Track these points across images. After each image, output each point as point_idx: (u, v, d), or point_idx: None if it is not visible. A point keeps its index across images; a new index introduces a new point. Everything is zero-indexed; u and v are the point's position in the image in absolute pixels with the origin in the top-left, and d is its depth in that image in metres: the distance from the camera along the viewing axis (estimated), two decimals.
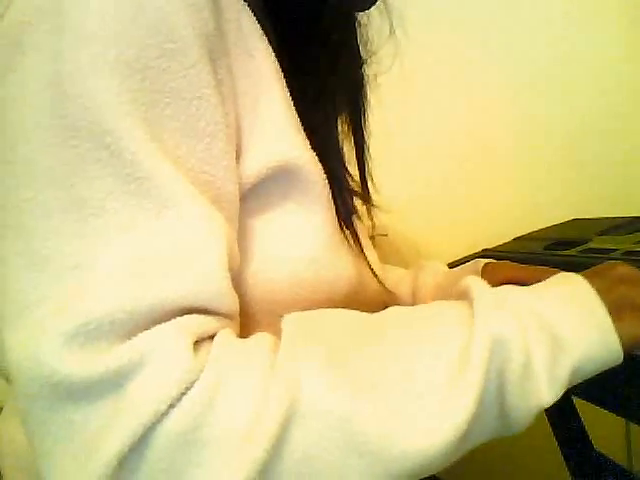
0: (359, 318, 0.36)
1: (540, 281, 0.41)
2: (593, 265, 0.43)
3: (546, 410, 0.85)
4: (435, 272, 0.65)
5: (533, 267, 0.55)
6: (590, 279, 0.37)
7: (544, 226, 0.86)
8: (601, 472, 0.77)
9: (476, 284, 0.36)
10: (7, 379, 0.46)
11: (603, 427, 0.83)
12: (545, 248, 0.70)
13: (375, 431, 0.29)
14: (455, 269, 0.64)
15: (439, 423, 0.30)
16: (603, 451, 0.78)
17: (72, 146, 0.30)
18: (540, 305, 0.35)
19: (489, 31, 1.08)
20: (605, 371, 0.39)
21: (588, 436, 0.79)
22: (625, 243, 0.61)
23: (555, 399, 0.33)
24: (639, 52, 1.09)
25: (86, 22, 0.30)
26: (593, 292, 0.36)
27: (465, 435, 0.30)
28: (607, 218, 0.80)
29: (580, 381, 0.35)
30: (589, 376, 0.35)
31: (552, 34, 1.09)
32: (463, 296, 0.37)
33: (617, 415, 0.45)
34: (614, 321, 0.35)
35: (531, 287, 0.38)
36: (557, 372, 0.33)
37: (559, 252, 0.66)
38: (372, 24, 0.56)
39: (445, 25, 1.06)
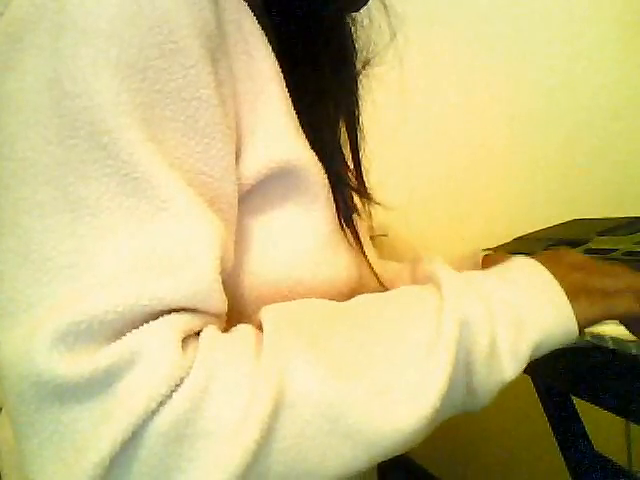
0: (334, 306, 0.38)
1: None
2: None
3: (546, 410, 0.85)
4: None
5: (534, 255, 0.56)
6: (547, 265, 0.40)
7: (544, 226, 0.86)
8: (601, 472, 0.77)
9: (442, 269, 0.38)
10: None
11: (603, 427, 0.83)
12: (545, 248, 0.70)
13: (356, 414, 0.31)
14: (454, 261, 0.65)
15: (415, 403, 0.32)
16: (603, 451, 0.78)
17: (70, 145, 0.30)
18: (503, 288, 0.38)
19: (489, 30, 1.08)
20: (605, 372, 0.40)
21: (588, 436, 0.79)
22: (625, 243, 0.61)
23: (516, 374, 0.36)
24: (639, 52, 1.09)
25: (87, 21, 0.30)
26: (552, 277, 0.39)
27: (437, 413, 0.32)
28: (607, 218, 0.80)
29: (539, 356, 0.37)
30: (547, 352, 0.37)
31: (553, 33, 1.09)
32: (429, 281, 0.39)
33: (617, 415, 0.45)
34: (571, 303, 0.37)
35: (494, 271, 0.40)
36: (519, 350, 0.35)
37: None
38: (373, 26, 0.56)
39: (445, 24, 1.06)
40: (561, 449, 0.80)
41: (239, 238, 0.38)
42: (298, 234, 0.41)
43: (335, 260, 0.44)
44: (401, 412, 0.31)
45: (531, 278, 0.39)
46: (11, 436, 0.45)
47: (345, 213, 0.47)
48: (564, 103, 1.09)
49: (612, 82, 1.09)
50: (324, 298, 0.41)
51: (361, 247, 0.50)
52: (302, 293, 0.41)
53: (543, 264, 0.40)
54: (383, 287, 0.55)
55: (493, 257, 0.60)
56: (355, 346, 0.33)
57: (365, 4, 0.52)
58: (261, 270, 0.40)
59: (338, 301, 0.42)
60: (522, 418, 0.98)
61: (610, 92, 1.09)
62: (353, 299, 0.39)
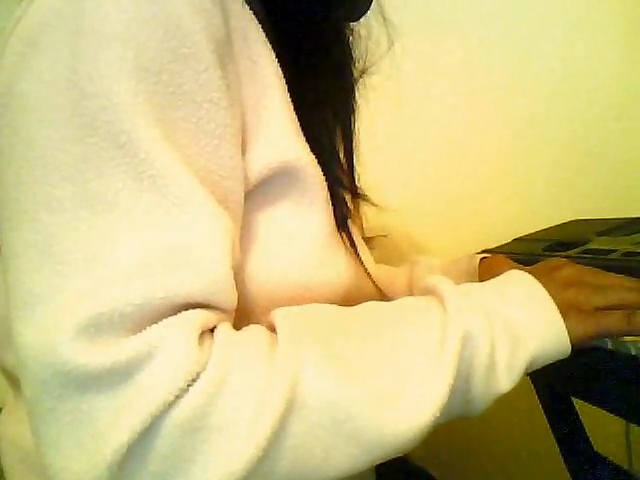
0: (343, 312, 0.39)
1: None
2: (592, 266, 0.44)
3: (546, 411, 0.85)
4: (430, 266, 0.67)
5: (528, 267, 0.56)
6: (541, 280, 0.41)
7: (544, 227, 0.86)
8: (601, 472, 0.77)
9: (443, 283, 0.40)
10: (9, 377, 0.46)
11: (603, 427, 0.83)
12: (545, 249, 0.70)
13: (361, 418, 0.32)
14: (449, 263, 0.66)
15: (417, 412, 0.33)
16: (603, 452, 0.78)
17: (89, 144, 0.31)
18: (501, 303, 0.39)
19: (490, 31, 1.08)
20: (605, 372, 0.41)
21: (588, 437, 0.79)
22: (625, 244, 0.61)
23: (511, 387, 0.37)
24: (639, 52, 1.09)
25: (104, 25, 0.31)
26: (546, 294, 0.40)
27: (436, 421, 0.34)
28: (607, 219, 0.80)
29: (531, 371, 0.39)
30: (541, 366, 0.39)
31: (552, 35, 1.09)
32: (430, 293, 0.40)
33: (616, 416, 0.46)
34: (564, 320, 0.39)
35: (491, 285, 0.42)
36: (515, 364, 0.37)
37: (559, 253, 0.66)
38: (371, 35, 0.58)
39: (445, 25, 1.06)
40: (561, 449, 0.80)
41: (240, 237, 0.39)
42: (298, 234, 0.42)
43: (334, 261, 0.44)
44: (404, 419, 0.33)
45: (526, 295, 0.40)
46: (13, 434, 0.45)
47: (341, 216, 0.48)
48: (564, 103, 1.09)
49: (612, 82, 1.09)
50: (322, 299, 0.42)
51: (356, 250, 0.50)
52: (301, 293, 0.42)
53: (538, 279, 0.41)
54: (379, 290, 0.55)
55: (491, 262, 0.61)
56: (363, 353, 0.35)
57: (364, 15, 0.53)
58: (261, 268, 0.40)
59: (336, 303, 0.42)
60: (522, 418, 0.98)
61: (610, 92, 1.09)
62: (359, 306, 0.40)
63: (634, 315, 0.39)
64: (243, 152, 0.39)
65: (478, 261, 0.62)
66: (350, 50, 0.58)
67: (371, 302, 0.41)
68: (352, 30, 0.58)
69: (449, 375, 0.34)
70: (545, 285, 0.41)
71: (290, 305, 0.39)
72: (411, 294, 0.66)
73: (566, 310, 0.39)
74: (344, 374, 0.33)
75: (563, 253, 0.65)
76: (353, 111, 0.59)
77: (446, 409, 0.34)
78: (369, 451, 0.32)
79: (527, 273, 0.43)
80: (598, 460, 0.78)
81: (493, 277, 0.60)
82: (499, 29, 1.08)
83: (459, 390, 0.35)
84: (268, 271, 0.41)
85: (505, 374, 0.37)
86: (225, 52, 0.36)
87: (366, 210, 0.61)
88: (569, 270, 0.44)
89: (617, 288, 0.42)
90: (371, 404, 0.32)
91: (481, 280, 0.61)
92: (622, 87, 1.09)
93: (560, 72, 1.09)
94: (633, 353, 0.42)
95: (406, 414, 0.33)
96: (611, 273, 0.44)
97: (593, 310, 0.41)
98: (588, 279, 0.43)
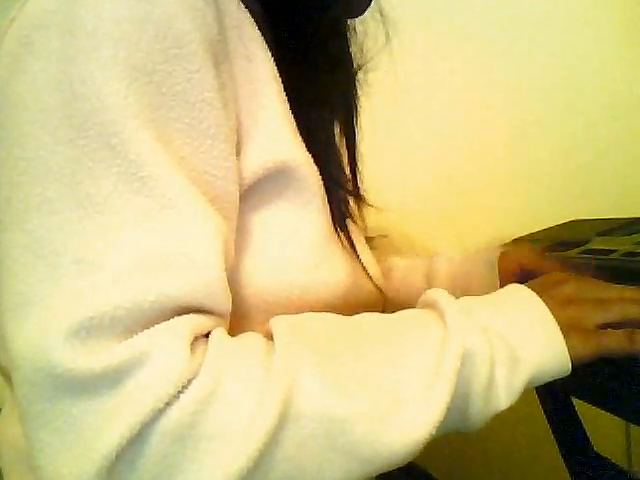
0: (342, 323, 0.38)
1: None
2: (592, 266, 0.44)
3: (546, 411, 0.85)
4: (450, 259, 0.66)
5: (548, 261, 0.57)
6: (542, 297, 0.40)
7: (544, 227, 0.86)
8: (601, 473, 0.77)
9: (444, 298, 0.39)
10: (7, 377, 0.46)
11: (603, 428, 0.83)
12: (544, 249, 0.70)
13: (355, 434, 0.31)
14: (470, 255, 0.65)
15: (412, 429, 0.32)
16: (603, 452, 0.78)
17: (80, 145, 0.31)
18: (501, 321, 0.38)
19: (490, 32, 1.08)
20: (605, 373, 0.41)
21: (588, 437, 0.79)
22: (625, 244, 0.61)
23: (510, 405, 0.37)
24: (639, 53, 1.09)
25: (97, 26, 0.31)
26: (548, 312, 0.39)
27: (431, 437, 0.33)
28: (607, 219, 0.80)
29: (532, 387, 0.38)
30: (540, 384, 0.38)
31: (553, 35, 1.09)
32: (429, 307, 0.39)
33: (616, 417, 0.45)
34: (564, 339, 0.38)
35: (491, 300, 0.41)
36: (514, 382, 0.36)
37: (559, 253, 0.66)
38: (367, 31, 0.57)
39: (444, 22, 1.06)
40: (561, 449, 0.80)
41: (236, 237, 0.39)
42: (294, 235, 0.42)
43: (331, 262, 0.44)
44: (398, 435, 0.32)
45: (527, 312, 0.39)
46: (12, 435, 0.45)
47: (339, 217, 0.48)
48: (564, 103, 1.09)
49: (612, 83, 1.09)
50: (320, 301, 0.42)
51: (355, 251, 0.50)
52: (298, 295, 0.41)
53: (539, 294, 0.40)
54: (379, 290, 0.55)
55: (510, 256, 0.60)
56: (361, 367, 0.34)
57: (364, 11, 0.53)
58: (257, 270, 0.40)
59: (334, 304, 0.42)
60: (522, 418, 0.97)
61: (610, 93, 1.09)
62: (359, 316, 0.39)
63: (636, 334, 0.38)
64: (238, 152, 0.38)
65: (497, 255, 0.61)
66: (348, 47, 0.57)
67: (371, 314, 0.40)
68: (349, 27, 0.57)
69: (446, 393, 0.33)
70: (546, 302, 0.40)
71: (287, 307, 0.38)
72: (429, 287, 0.65)
73: (567, 329, 0.38)
74: (340, 388, 0.32)
75: (563, 253, 0.65)
76: (355, 109, 0.59)
77: (442, 425, 0.33)
78: (362, 465, 0.32)
79: (528, 288, 0.41)
80: (598, 460, 0.78)
81: (511, 273, 0.58)
82: (500, 25, 1.08)
83: (456, 408, 0.35)
84: (264, 273, 0.40)
85: (504, 392, 0.36)
86: (219, 51, 0.36)
87: (367, 210, 0.61)
88: (570, 286, 0.42)
89: (618, 302, 0.41)
90: (366, 419, 0.32)
91: (501, 276, 0.59)
92: (622, 87, 1.09)
93: (560, 72, 1.09)
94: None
95: (401, 430, 0.32)
96: (611, 284, 0.43)
97: (594, 328, 0.40)
98: (589, 294, 0.42)
